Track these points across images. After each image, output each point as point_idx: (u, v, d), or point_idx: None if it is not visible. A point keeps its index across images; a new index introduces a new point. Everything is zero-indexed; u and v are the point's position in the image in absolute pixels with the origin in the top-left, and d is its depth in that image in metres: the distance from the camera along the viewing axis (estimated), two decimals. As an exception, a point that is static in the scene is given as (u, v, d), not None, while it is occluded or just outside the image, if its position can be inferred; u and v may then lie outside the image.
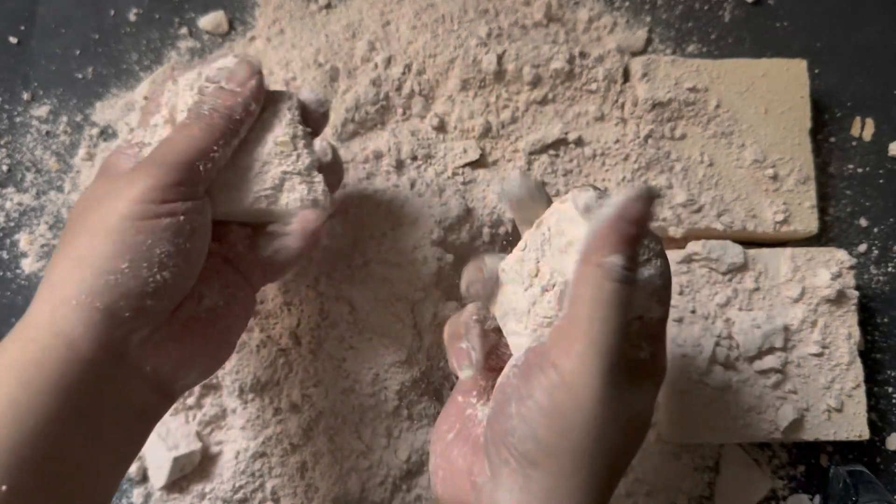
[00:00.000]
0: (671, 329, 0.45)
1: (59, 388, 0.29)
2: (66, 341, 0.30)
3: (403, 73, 0.46)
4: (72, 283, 0.30)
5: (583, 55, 0.47)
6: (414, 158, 0.46)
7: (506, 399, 0.30)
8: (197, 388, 0.44)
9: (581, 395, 0.28)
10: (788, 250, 0.46)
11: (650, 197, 0.29)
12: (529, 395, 0.29)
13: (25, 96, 0.51)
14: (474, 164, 0.46)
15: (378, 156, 0.46)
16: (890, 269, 0.50)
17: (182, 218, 0.31)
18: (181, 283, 0.32)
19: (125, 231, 0.30)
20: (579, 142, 0.47)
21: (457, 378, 0.37)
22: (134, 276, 0.30)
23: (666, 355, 0.31)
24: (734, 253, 0.45)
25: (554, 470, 0.28)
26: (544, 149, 0.46)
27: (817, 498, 0.48)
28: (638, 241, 0.29)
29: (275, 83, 0.47)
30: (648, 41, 0.53)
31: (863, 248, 0.51)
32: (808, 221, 0.48)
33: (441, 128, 0.46)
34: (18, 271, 0.49)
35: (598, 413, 0.28)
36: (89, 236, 0.31)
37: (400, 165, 0.46)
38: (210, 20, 0.51)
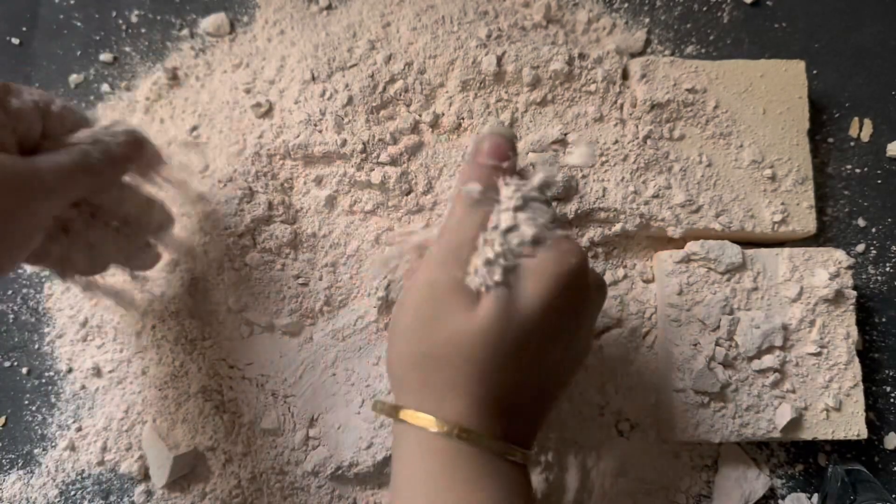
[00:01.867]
0: (671, 329, 0.45)
1: None
2: None
3: (403, 72, 0.46)
4: None
5: (582, 56, 0.47)
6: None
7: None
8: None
9: (407, 301, 0.34)
10: (787, 250, 0.46)
11: (498, 134, 0.35)
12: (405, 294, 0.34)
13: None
14: None
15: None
16: (888, 269, 0.51)
17: None
18: None
19: None
20: (579, 142, 0.47)
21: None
22: None
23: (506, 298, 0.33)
24: (732, 253, 0.45)
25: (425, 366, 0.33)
26: (543, 149, 0.46)
27: (815, 497, 0.48)
28: (489, 172, 0.34)
29: (268, 81, 0.47)
30: (647, 42, 0.53)
31: (861, 248, 0.51)
32: (806, 221, 0.48)
33: (437, 125, 0.47)
34: (20, 271, 0.49)
35: (412, 320, 0.33)
36: None
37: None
38: (211, 21, 0.52)
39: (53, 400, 0.48)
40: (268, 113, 0.46)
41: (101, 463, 0.46)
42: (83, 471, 0.47)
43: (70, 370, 0.47)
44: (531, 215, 0.33)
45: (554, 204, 0.42)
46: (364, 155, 0.45)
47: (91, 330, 0.47)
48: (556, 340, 0.34)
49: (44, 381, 0.48)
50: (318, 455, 0.44)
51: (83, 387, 0.47)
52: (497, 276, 0.32)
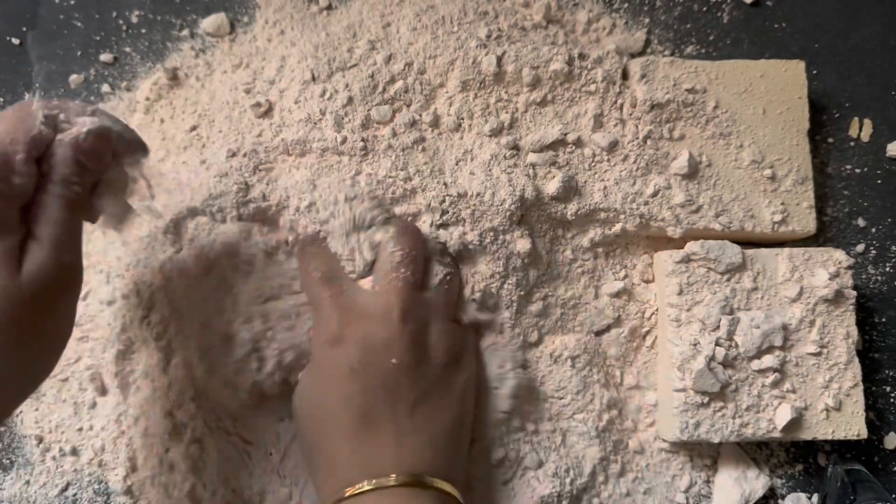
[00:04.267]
0: (671, 329, 0.45)
1: None
2: None
3: (403, 72, 0.46)
4: None
5: (582, 56, 0.47)
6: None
7: None
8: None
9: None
10: (786, 250, 0.46)
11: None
12: None
13: (27, 97, 0.51)
14: None
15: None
16: (888, 269, 0.51)
17: None
18: None
19: None
20: (578, 142, 0.47)
21: None
22: None
23: None
24: (732, 253, 0.45)
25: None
26: (543, 149, 0.46)
27: (815, 497, 0.48)
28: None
29: (268, 81, 0.47)
30: (647, 42, 0.53)
31: (860, 248, 0.51)
32: (805, 221, 0.48)
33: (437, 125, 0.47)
34: (20, 271, 0.49)
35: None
36: None
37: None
38: (211, 22, 0.52)
39: (53, 400, 0.48)
40: (268, 113, 0.46)
41: (101, 464, 0.46)
42: (83, 471, 0.47)
43: (67, 378, 0.47)
44: None
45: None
46: (364, 153, 0.45)
47: (85, 330, 0.47)
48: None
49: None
50: None
51: (82, 388, 0.47)
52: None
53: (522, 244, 0.44)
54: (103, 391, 0.46)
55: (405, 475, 0.36)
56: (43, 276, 0.31)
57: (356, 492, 0.36)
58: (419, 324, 0.40)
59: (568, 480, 0.45)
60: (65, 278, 0.33)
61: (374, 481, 0.36)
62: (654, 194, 0.47)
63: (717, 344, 0.45)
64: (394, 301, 0.39)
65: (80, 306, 0.45)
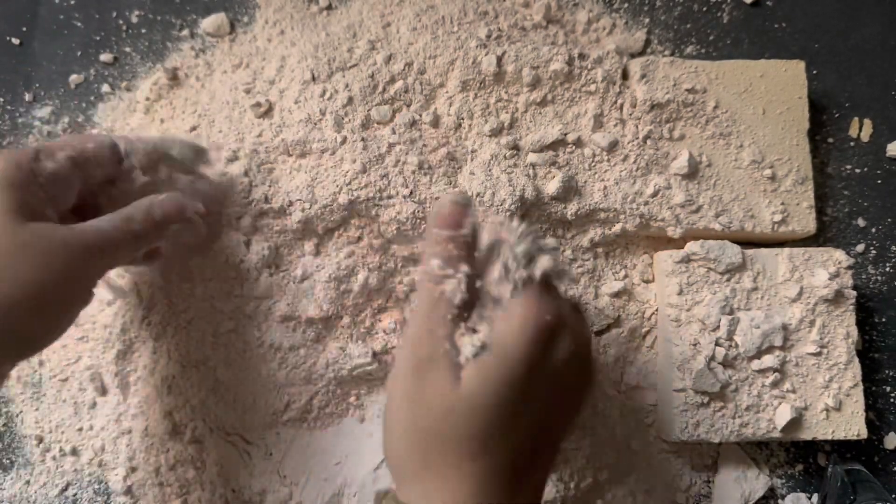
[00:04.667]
0: (671, 329, 0.45)
1: None
2: None
3: (403, 72, 0.46)
4: None
5: (582, 56, 0.47)
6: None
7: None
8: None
9: (392, 386, 0.33)
10: (786, 250, 0.46)
11: (450, 203, 0.34)
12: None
13: (27, 97, 0.51)
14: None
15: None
16: (888, 269, 0.51)
17: None
18: None
19: None
20: (578, 142, 0.47)
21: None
22: None
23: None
24: (732, 253, 0.45)
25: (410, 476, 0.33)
26: (543, 149, 0.46)
27: (815, 497, 0.48)
28: (445, 244, 0.33)
29: (268, 81, 0.47)
30: (647, 42, 0.53)
31: (860, 248, 0.51)
32: (805, 221, 0.48)
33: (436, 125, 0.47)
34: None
35: (400, 402, 0.33)
36: None
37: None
38: (211, 22, 0.52)
39: (53, 400, 0.48)
40: (267, 113, 0.46)
41: (101, 464, 0.46)
42: (83, 471, 0.47)
43: (67, 378, 0.47)
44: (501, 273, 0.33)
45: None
46: (364, 152, 0.45)
47: (85, 330, 0.47)
48: (546, 391, 0.33)
49: (44, 381, 0.48)
50: None
51: (82, 388, 0.47)
52: (472, 343, 0.32)
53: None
54: (103, 391, 0.46)
55: None
56: (54, 237, 0.35)
57: None
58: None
59: (572, 485, 0.45)
60: (71, 254, 0.35)
61: None
62: (654, 194, 0.47)
63: (717, 344, 0.45)
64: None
65: None
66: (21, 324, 0.34)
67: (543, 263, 0.32)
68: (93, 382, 0.46)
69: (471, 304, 0.33)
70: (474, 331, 0.32)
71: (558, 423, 0.35)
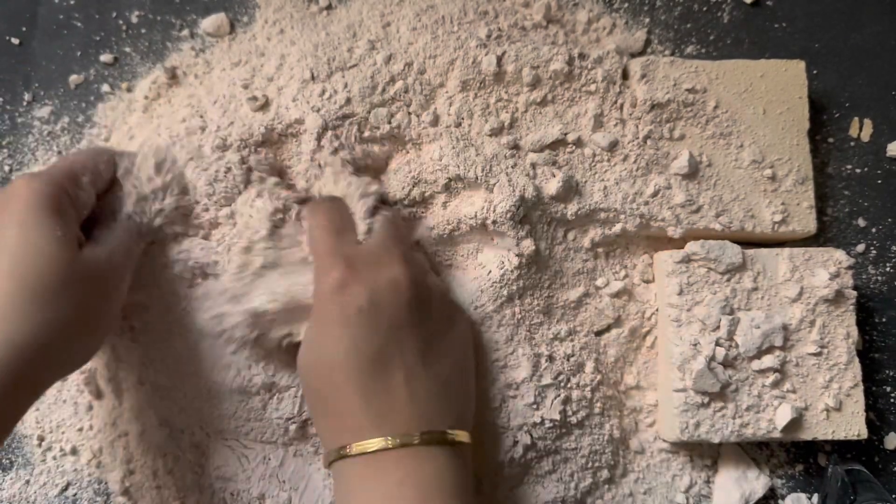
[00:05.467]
0: (671, 329, 0.45)
1: None
2: None
3: (403, 72, 0.46)
4: None
5: (582, 56, 0.47)
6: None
7: None
8: None
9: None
10: (787, 250, 0.46)
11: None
12: None
13: (27, 97, 0.51)
14: None
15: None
16: (888, 269, 0.51)
17: None
18: None
19: None
20: (578, 142, 0.47)
21: None
22: None
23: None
24: (733, 253, 0.45)
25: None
26: (543, 149, 0.46)
27: (815, 497, 0.48)
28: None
29: (267, 78, 0.47)
30: (647, 42, 0.53)
31: (861, 248, 0.51)
32: (806, 222, 0.48)
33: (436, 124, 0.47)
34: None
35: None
36: None
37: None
38: (211, 22, 0.52)
39: (53, 400, 0.48)
40: (264, 107, 0.46)
41: (99, 465, 0.46)
42: (83, 471, 0.47)
43: (67, 379, 0.47)
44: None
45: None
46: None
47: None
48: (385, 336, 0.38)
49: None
50: None
51: (80, 389, 0.47)
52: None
53: (526, 245, 0.44)
54: (98, 394, 0.46)
55: (428, 433, 0.36)
56: (96, 261, 0.37)
57: (374, 448, 0.35)
58: (420, 269, 0.41)
59: (573, 485, 0.45)
60: (109, 274, 0.38)
61: (396, 440, 0.35)
62: (655, 194, 0.47)
63: (717, 344, 0.45)
64: (394, 246, 0.40)
65: None
66: (74, 345, 0.37)
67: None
68: (88, 386, 0.46)
69: None
70: None
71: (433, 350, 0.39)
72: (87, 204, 0.39)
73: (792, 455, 0.49)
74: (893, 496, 0.45)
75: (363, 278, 0.38)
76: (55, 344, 0.35)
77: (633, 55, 0.51)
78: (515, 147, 0.46)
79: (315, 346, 0.39)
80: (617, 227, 0.47)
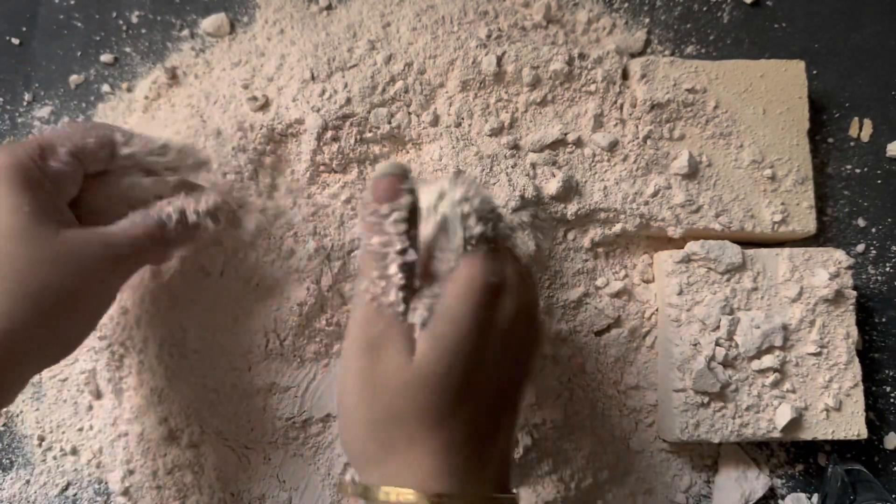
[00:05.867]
0: (671, 329, 0.45)
1: None
2: None
3: (403, 72, 0.46)
4: None
5: (582, 56, 0.47)
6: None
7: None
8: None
9: (344, 367, 0.32)
10: (786, 250, 0.46)
11: (383, 176, 0.33)
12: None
13: (27, 97, 0.51)
14: None
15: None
16: (888, 269, 0.51)
17: None
18: None
19: None
20: (578, 142, 0.47)
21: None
22: None
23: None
24: (732, 253, 0.45)
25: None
26: (543, 149, 0.46)
27: (815, 497, 0.48)
28: (383, 217, 0.32)
29: (267, 78, 0.47)
30: (647, 42, 0.53)
31: (861, 248, 0.51)
32: (806, 222, 0.48)
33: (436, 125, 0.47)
34: (20, 271, 0.49)
35: (354, 385, 0.32)
36: None
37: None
38: (211, 22, 0.52)
39: (53, 400, 0.48)
40: (264, 107, 0.46)
41: (99, 465, 0.46)
42: (83, 471, 0.47)
43: (67, 378, 0.47)
44: (445, 239, 0.32)
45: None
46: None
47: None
48: (497, 353, 0.32)
49: (44, 381, 0.48)
50: None
51: (80, 389, 0.47)
52: (422, 311, 0.31)
53: (528, 245, 0.44)
54: (98, 395, 0.46)
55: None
56: (82, 242, 0.34)
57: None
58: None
59: (573, 485, 0.45)
60: (97, 261, 0.35)
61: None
62: (655, 194, 0.47)
63: (717, 344, 0.45)
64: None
65: None
66: (58, 330, 0.34)
67: (481, 226, 0.32)
68: (88, 386, 0.46)
69: (415, 274, 0.33)
70: (424, 296, 0.32)
71: (513, 386, 0.34)
72: (70, 177, 0.36)
73: (792, 455, 0.49)
74: (893, 496, 0.45)
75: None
76: (29, 326, 0.33)
77: (633, 55, 0.51)
78: (515, 147, 0.46)
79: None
80: (617, 227, 0.47)
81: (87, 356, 0.46)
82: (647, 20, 0.53)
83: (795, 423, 0.44)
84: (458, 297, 0.31)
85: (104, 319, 0.45)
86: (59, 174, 0.35)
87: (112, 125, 0.39)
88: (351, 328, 0.33)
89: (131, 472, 0.45)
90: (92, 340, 0.46)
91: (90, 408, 0.47)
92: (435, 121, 0.46)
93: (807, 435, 0.45)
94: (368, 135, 0.46)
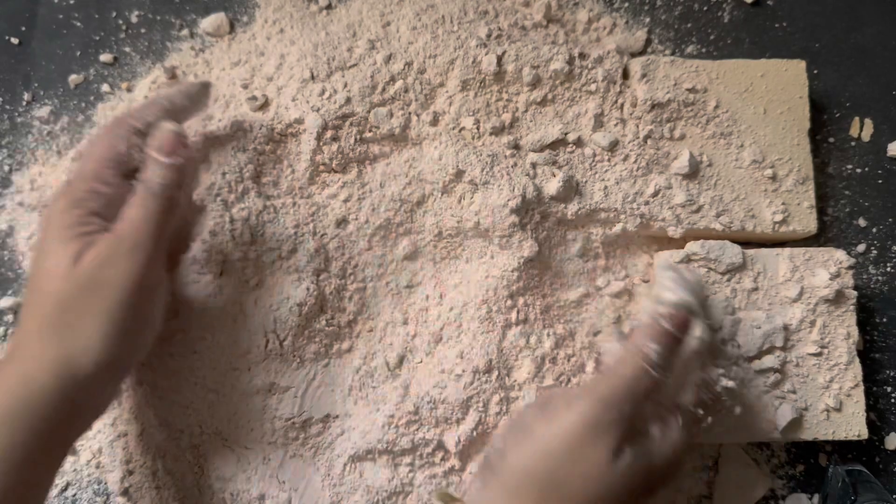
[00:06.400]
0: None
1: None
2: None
3: (403, 71, 0.46)
4: None
5: (582, 56, 0.47)
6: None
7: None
8: None
9: (557, 444, 0.34)
10: (787, 250, 0.46)
11: (687, 310, 0.37)
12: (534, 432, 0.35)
13: (26, 97, 0.51)
14: None
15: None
16: (888, 269, 0.50)
17: None
18: None
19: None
20: (579, 142, 0.47)
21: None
22: None
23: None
24: (733, 253, 0.45)
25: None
26: (543, 149, 0.46)
27: (816, 497, 0.48)
28: (672, 341, 0.36)
29: (267, 78, 0.47)
30: (648, 42, 0.53)
31: (861, 248, 0.51)
32: (806, 221, 0.48)
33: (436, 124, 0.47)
34: (20, 271, 0.49)
35: (561, 462, 0.34)
36: None
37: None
38: (211, 22, 0.51)
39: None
40: (263, 107, 0.46)
41: (99, 465, 0.46)
42: (83, 471, 0.47)
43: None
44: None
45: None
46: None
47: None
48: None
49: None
50: None
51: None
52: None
53: (528, 245, 0.44)
54: None
55: None
56: (100, 261, 0.35)
57: None
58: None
59: None
60: (128, 271, 0.36)
61: None
62: (655, 194, 0.47)
63: (720, 344, 0.44)
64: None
65: None
66: (115, 345, 0.35)
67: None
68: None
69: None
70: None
71: None
72: (121, 192, 0.38)
73: (792, 455, 0.49)
74: (894, 496, 0.45)
75: None
76: (73, 356, 0.35)
77: (633, 55, 0.51)
78: (516, 147, 0.46)
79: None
80: (617, 227, 0.47)
81: None
82: (647, 20, 0.53)
83: (796, 423, 0.44)
84: (677, 450, 0.36)
85: None
86: (109, 197, 0.37)
87: (126, 120, 0.39)
88: (585, 395, 0.35)
89: (131, 473, 0.45)
90: None
91: None
92: (435, 121, 0.46)
93: (807, 435, 0.45)
94: (368, 134, 0.46)
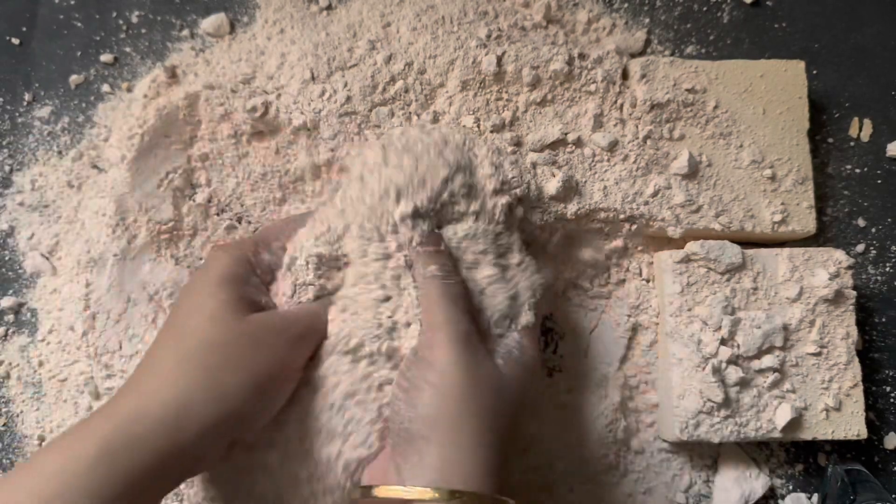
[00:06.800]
0: (671, 328, 0.45)
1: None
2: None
3: (403, 72, 0.46)
4: None
5: (582, 56, 0.47)
6: None
7: (400, 389, 0.37)
8: None
9: (441, 370, 0.35)
10: (786, 250, 0.46)
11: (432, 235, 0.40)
12: (412, 383, 0.36)
13: (27, 97, 0.51)
14: None
15: None
16: (888, 269, 0.51)
17: None
18: None
19: None
20: (578, 142, 0.47)
21: None
22: None
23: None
24: (732, 253, 0.45)
25: (441, 440, 0.34)
26: (543, 149, 0.47)
27: (815, 497, 0.48)
28: (439, 256, 0.39)
29: (267, 77, 0.47)
30: (647, 42, 0.53)
31: (860, 248, 0.51)
32: (806, 222, 0.48)
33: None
34: (20, 271, 0.49)
35: (456, 380, 0.35)
36: None
37: None
38: (211, 22, 0.52)
39: (54, 400, 0.48)
40: (263, 116, 0.46)
41: None
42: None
43: (66, 379, 0.47)
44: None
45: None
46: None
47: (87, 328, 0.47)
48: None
49: (44, 381, 0.48)
50: None
51: (80, 390, 0.47)
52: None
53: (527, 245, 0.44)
54: (97, 395, 0.46)
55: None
56: (268, 328, 0.37)
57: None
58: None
59: (573, 485, 0.45)
60: (275, 337, 0.38)
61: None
62: (654, 194, 0.47)
63: (721, 343, 0.44)
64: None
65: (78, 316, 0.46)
66: (246, 407, 0.36)
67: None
68: (87, 386, 0.46)
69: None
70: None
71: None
72: (274, 265, 0.41)
73: (792, 455, 0.49)
74: (893, 496, 0.45)
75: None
76: (211, 402, 0.34)
77: (633, 55, 0.51)
78: (516, 146, 0.46)
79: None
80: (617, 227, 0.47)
81: (86, 358, 0.46)
82: (647, 20, 0.53)
83: (795, 422, 0.44)
84: (533, 356, 0.40)
85: (101, 320, 0.46)
86: (268, 266, 0.41)
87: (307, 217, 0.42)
88: (440, 324, 0.37)
89: None
90: (92, 340, 0.46)
91: (90, 408, 0.47)
92: (435, 120, 0.46)
93: (807, 435, 0.45)
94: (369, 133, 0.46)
